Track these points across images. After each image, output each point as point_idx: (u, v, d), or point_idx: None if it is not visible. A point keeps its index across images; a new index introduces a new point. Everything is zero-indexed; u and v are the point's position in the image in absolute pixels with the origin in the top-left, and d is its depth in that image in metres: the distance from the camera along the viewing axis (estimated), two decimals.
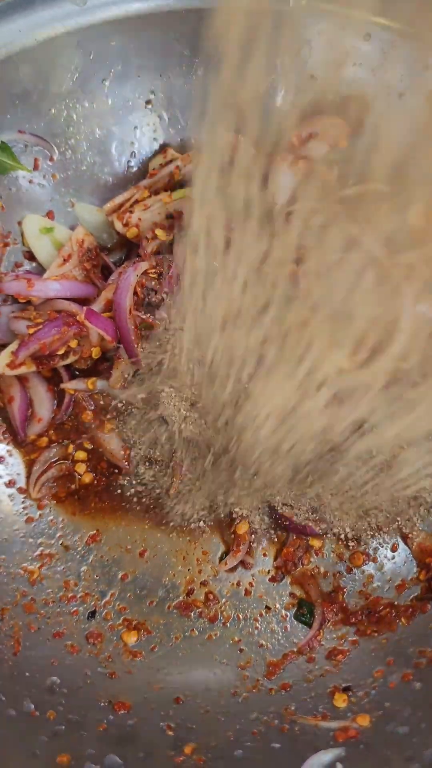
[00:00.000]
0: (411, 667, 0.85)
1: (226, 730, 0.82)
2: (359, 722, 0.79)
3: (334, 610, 0.95)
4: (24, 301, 1.06)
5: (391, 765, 0.72)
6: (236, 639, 0.95)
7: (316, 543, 1.00)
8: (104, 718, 0.83)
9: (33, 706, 0.81)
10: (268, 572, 1.00)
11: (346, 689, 0.85)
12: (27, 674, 0.86)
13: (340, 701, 0.84)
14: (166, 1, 1.02)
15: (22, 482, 1.04)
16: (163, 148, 1.14)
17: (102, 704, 0.84)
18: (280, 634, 0.95)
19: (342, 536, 1.00)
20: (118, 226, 1.09)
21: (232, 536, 1.00)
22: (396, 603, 0.94)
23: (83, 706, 0.83)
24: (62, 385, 1.07)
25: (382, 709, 0.81)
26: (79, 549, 1.01)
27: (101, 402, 1.07)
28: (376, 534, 1.01)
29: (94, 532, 1.01)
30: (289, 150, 1.04)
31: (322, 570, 1.00)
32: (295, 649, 0.93)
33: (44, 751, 0.75)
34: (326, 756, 0.75)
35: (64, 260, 1.10)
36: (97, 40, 1.03)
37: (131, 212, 1.09)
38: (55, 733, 0.78)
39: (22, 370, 1.03)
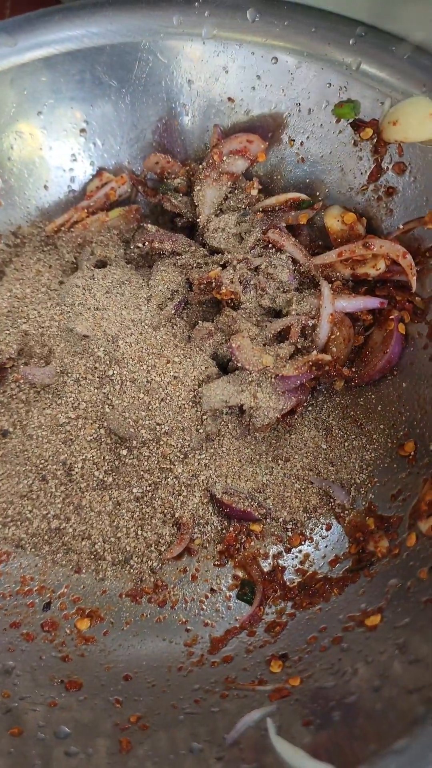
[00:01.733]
0: (341, 631, 0.91)
1: (170, 700, 0.88)
2: (291, 683, 0.85)
3: (274, 587, 1.02)
4: None
5: (316, 714, 0.78)
6: (183, 620, 1.01)
7: (256, 527, 1.07)
8: (57, 695, 0.88)
9: None
10: (213, 557, 1.06)
11: (282, 656, 0.92)
12: None
13: (276, 667, 0.90)
14: (90, 38, 1.12)
15: None
16: (99, 171, 1.22)
17: (55, 684, 0.90)
18: (224, 612, 1.02)
19: (280, 519, 1.07)
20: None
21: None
22: (329, 576, 1.01)
23: (37, 686, 0.89)
24: None
25: (312, 669, 0.87)
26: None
27: None
28: (312, 516, 1.08)
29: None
30: (211, 167, 1.13)
31: (262, 552, 1.06)
32: (237, 626, 0.99)
33: None
34: (258, 713, 0.81)
35: None
36: (29, 77, 1.12)
37: (71, 231, 1.18)
38: (8, 709, 0.84)
39: None
